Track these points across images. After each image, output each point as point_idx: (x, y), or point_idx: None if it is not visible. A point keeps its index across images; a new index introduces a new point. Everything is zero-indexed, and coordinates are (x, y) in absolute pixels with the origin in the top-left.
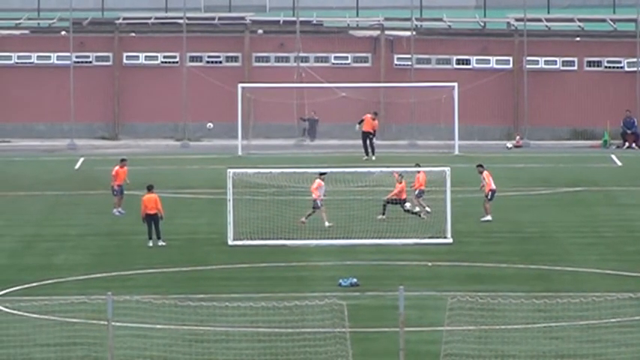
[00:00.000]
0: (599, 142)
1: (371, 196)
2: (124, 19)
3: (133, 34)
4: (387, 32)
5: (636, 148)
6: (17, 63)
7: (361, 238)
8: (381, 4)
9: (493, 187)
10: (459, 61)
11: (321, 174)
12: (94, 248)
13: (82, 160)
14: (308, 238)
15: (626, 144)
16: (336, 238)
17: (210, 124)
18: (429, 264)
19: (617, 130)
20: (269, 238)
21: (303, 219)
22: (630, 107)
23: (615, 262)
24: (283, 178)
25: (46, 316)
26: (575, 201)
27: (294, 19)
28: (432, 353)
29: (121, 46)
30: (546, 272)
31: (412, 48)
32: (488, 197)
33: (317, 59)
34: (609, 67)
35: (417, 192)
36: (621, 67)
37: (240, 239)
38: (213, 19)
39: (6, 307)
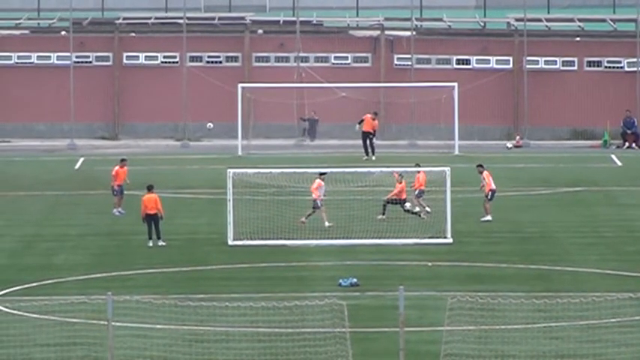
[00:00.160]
0: (599, 142)
1: (371, 196)
2: (124, 19)
3: (133, 34)
4: (387, 32)
5: (636, 148)
6: (17, 63)
7: (361, 238)
8: (381, 4)
9: (493, 187)
10: (459, 61)
11: (321, 174)
12: (94, 248)
13: (82, 160)
14: (308, 238)
15: (626, 144)
16: (336, 238)
17: (210, 124)
18: (429, 264)
19: (617, 130)
20: (269, 238)
21: (303, 219)
22: (630, 107)
23: (615, 262)
24: (283, 178)
25: (46, 316)
26: (575, 201)
27: (294, 19)
28: (432, 353)
29: (121, 46)
30: (546, 272)
31: (412, 48)
32: (488, 197)
33: (317, 59)
34: (609, 67)
35: (417, 192)
36: (621, 67)
37: (240, 239)
38: (213, 19)
39: (6, 307)
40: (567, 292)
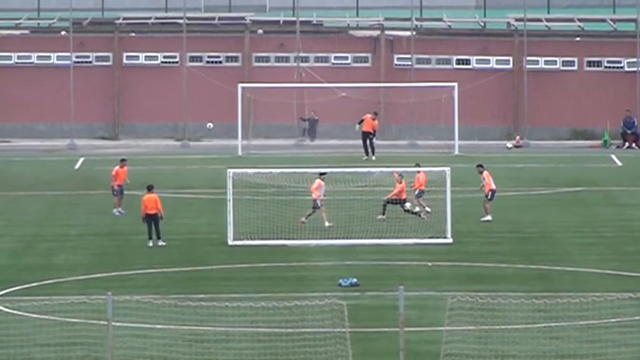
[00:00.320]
0: (599, 142)
1: (371, 196)
2: (124, 19)
3: (133, 34)
4: (387, 32)
5: (636, 148)
6: (17, 63)
7: (361, 238)
8: (381, 4)
9: (493, 187)
10: (459, 61)
11: (321, 174)
12: (94, 248)
13: (82, 160)
14: (308, 238)
15: (626, 144)
16: (336, 238)
17: (210, 124)
18: (429, 264)
19: (617, 130)
20: (269, 238)
21: (303, 219)
22: (630, 107)
23: (615, 262)
24: (283, 178)
25: (46, 316)
26: (575, 201)
27: (294, 19)
28: (432, 353)
29: (121, 46)
30: (546, 272)
31: (412, 48)
32: (488, 197)
33: (317, 59)
34: (609, 67)
35: (417, 192)
36: (621, 67)
37: (240, 239)
38: (213, 19)
39: (6, 307)
40: (567, 292)
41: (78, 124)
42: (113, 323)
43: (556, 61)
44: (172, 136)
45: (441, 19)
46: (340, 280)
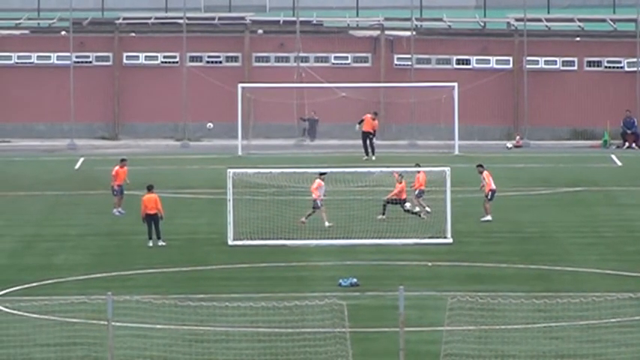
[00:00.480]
0: (599, 142)
1: (371, 196)
2: (124, 19)
3: (133, 34)
4: (387, 32)
5: (636, 148)
6: (17, 63)
7: (361, 238)
8: (381, 4)
9: (493, 187)
10: (459, 61)
11: (321, 174)
12: (94, 248)
13: (82, 160)
14: (308, 238)
15: (626, 144)
16: (336, 238)
17: (210, 124)
18: (429, 264)
19: (617, 130)
20: (269, 238)
21: (303, 219)
22: (630, 107)
23: (615, 262)
24: (283, 178)
25: (46, 316)
26: (575, 201)
27: (294, 19)
28: (432, 353)
29: (121, 46)
30: (546, 272)
31: (412, 48)
32: (488, 197)
33: (317, 59)
34: (609, 67)
35: (417, 192)
36: (621, 67)
37: (240, 239)
38: (213, 19)
39: (6, 307)
40: (567, 292)
41: (78, 124)
42: (113, 323)
43: (556, 61)
44: (172, 136)
45: (441, 19)
46: (340, 280)
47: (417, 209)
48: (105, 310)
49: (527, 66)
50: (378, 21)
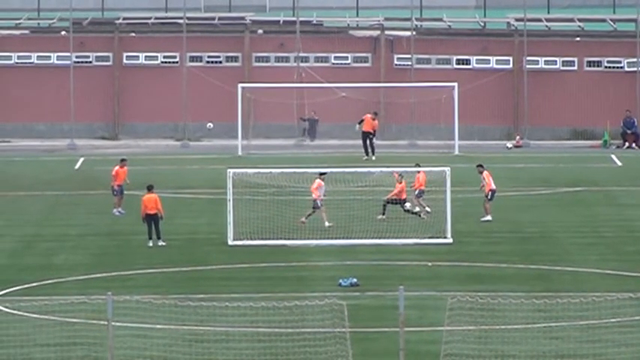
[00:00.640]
0: (599, 142)
1: (371, 196)
2: (124, 19)
3: (133, 34)
4: (387, 32)
5: (636, 148)
6: (17, 63)
7: (361, 238)
8: (381, 4)
9: (493, 187)
10: (459, 61)
11: (321, 174)
12: (94, 248)
13: (82, 160)
14: (308, 238)
15: (626, 144)
16: (336, 238)
17: (210, 124)
18: (429, 264)
19: (617, 130)
20: (269, 238)
21: (303, 219)
22: (630, 107)
23: (615, 262)
24: (283, 178)
25: (46, 316)
26: (575, 201)
27: (294, 19)
28: (432, 353)
29: (121, 46)
30: (546, 272)
31: (412, 48)
32: (488, 197)
33: (317, 59)
34: (609, 67)
35: (417, 192)
36: (621, 67)
37: (240, 239)
38: (213, 19)
39: (6, 307)
40: (567, 292)
41: (78, 124)
42: (113, 323)
43: (556, 61)
44: (172, 136)
45: (441, 19)
46: (340, 280)
47: (417, 209)
48: (105, 310)
49: (527, 66)
50: (378, 21)
